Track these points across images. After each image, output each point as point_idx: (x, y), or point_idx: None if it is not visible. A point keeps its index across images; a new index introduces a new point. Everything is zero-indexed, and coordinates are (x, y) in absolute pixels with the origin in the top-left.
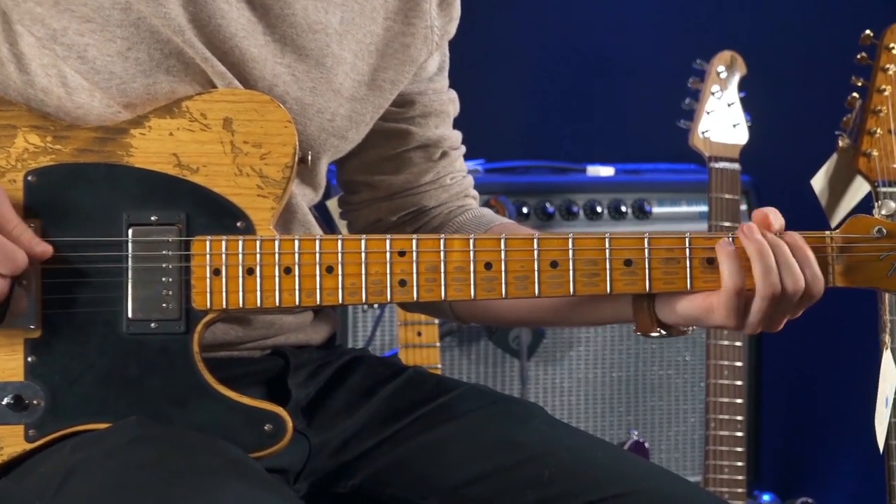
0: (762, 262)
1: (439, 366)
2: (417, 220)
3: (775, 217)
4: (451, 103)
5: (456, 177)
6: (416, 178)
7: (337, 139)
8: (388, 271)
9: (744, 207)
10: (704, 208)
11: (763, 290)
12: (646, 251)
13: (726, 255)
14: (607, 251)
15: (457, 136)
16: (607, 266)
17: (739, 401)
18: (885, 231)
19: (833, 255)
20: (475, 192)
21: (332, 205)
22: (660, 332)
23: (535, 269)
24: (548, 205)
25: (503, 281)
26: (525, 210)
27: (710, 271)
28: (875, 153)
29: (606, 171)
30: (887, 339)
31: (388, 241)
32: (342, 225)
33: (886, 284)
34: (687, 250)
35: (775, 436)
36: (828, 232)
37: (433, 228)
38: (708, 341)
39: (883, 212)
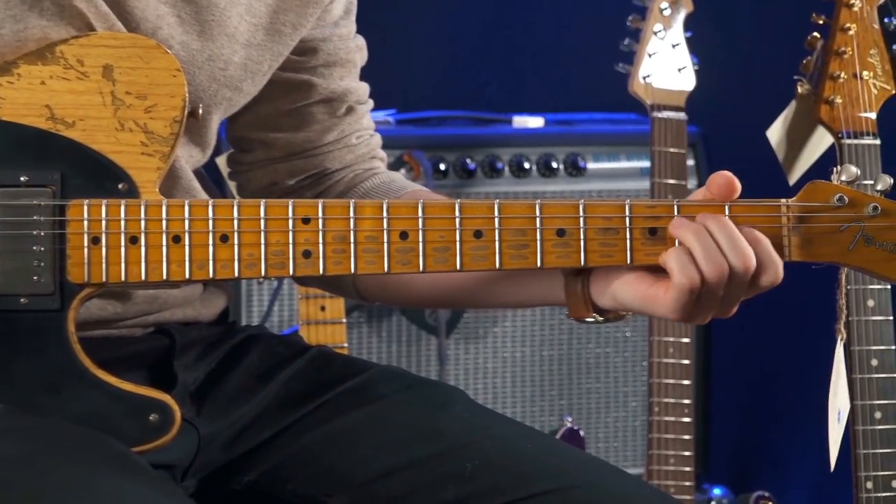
0: (701, 243)
1: (346, 345)
2: (318, 185)
3: (735, 183)
4: (357, 51)
5: (363, 135)
6: (317, 137)
7: (230, 91)
8: (290, 241)
9: (691, 162)
10: (646, 163)
11: (709, 272)
12: (581, 220)
13: (678, 244)
14: (538, 220)
15: (364, 88)
16: (538, 237)
17: (686, 382)
18: (846, 199)
19: (789, 226)
20: (383, 154)
21: (222, 162)
22: (595, 317)
23: (457, 239)
24: (468, 160)
25: (420, 252)
26: (442, 167)
27: (653, 243)
28: (838, 100)
29: (535, 121)
30: (842, 328)
31: (290, 206)
32: (234, 186)
33: (848, 259)
34: (627, 219)
35: (727, 422)
36: (783, 200)
37: (337, 194)
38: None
39: (843, 178)
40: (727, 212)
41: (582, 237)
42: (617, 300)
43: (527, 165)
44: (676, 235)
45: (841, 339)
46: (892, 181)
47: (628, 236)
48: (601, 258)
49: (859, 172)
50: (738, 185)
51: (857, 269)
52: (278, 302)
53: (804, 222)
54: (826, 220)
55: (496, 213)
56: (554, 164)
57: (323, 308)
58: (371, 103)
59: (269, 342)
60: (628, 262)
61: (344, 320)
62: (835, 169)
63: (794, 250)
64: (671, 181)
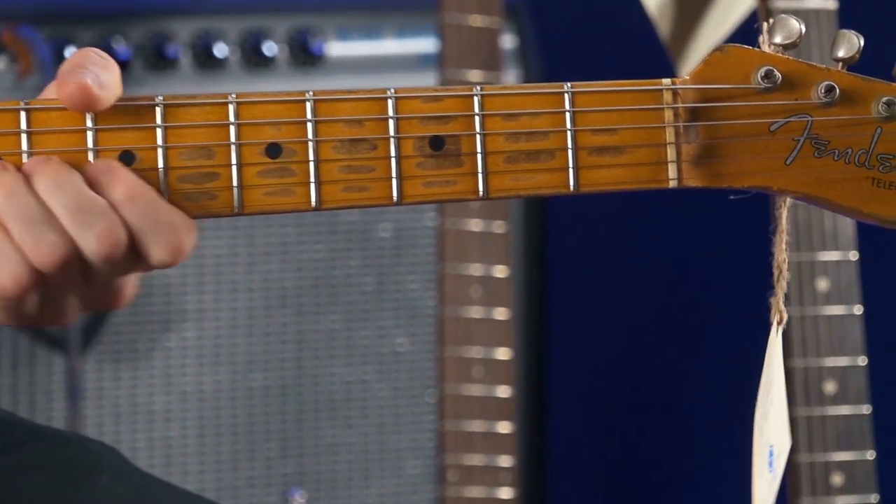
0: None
1: None
2: None
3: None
4: None
5: None
6: None
7: None
8: None
9: (510, 46)
10: (431, 47)
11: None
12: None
13: None
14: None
15: None
16: None
17: (505, 429)
18: (778, 75)
19: (678, 125)
20: None
21: None
22: None
23: None
24: (117, 42)
25: None
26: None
27: None
28: None
29: None
30: (780, 305)
31: None
32: None
33: (784, 182)
34: None
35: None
36: (667, 80)
37: None
38: (443, 310)
39: (777, 38)
40: (569, 91)
41: None
42: None
43: (220, 53)
44: None
45: (777, 328)
46: (859, 42)
47: None
48: None
49: (803, 29)
50: (101, 94)
51: (802, 198)
52: None
53: (705, 118)
54: (745, 113)
55: None
56: (268, 49)
57: None
58: None
59: None
60: None
61: None
62: (763, 26)
63: (687, 169)
64: (475, 77)
